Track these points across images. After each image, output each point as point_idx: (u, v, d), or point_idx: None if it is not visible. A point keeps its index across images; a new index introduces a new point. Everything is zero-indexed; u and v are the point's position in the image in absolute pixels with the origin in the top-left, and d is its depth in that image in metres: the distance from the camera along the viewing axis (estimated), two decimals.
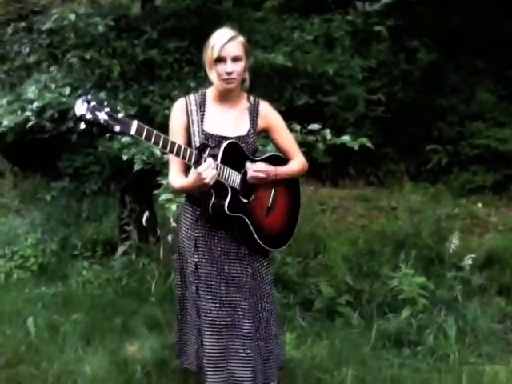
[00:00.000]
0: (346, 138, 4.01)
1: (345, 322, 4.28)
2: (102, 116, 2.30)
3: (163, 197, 3.64)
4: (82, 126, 2.30)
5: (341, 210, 7.35)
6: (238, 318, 2.82)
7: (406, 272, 4.36)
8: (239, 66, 2.66)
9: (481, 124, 8.62)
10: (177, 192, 2.83)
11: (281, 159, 2.91)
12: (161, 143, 2.45)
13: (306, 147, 3.84)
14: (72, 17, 4.20)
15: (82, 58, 4.44)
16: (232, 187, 2.68)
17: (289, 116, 3.30)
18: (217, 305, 2.80)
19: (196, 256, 2.81)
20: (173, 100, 4.35)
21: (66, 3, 7.84)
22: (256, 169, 2.74)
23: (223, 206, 2.66)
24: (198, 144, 2.68)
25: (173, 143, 2.50)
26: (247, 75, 2.76)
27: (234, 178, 2.69)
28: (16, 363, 3.62)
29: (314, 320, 4.31)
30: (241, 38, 2.69)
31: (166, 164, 4.02)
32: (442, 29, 8.87)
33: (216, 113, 2.77)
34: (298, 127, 3.95)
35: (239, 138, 2.77)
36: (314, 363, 3.68)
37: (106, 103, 2.32)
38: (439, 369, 3.70)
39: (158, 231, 5.06)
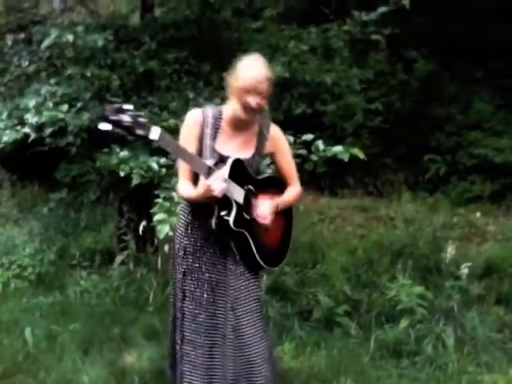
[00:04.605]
0: (337, 149, 4.02)
1: (343, 331, 4.27)
2: (126, 118, 2.33)
3: (157, 217, 3.66)
4: (107, 126, 2.29)
5: (339, 219, 7.35)
6: (220, 327, 2.86)
7: (404, 282, 4.36)
8: (263, 102, 2.72)
9: (478, 134, 8.64)
10: (184, 200, 2.87)
11: (276, 181, 2.98)
12: (178, 151, 2.53)
13: (300, 158, 3.87)
14: (70, 38, 4.22)
15: (81, 75, 4.48)
16: (237, 202, 2.72)
17: (287, 126, 3.31)
18: (199, 313, 2.85)
19: (184, 263, 2.87)
20: (171, 112, 4.40)
21: (65, 13, 7.90)
22: (263, 215, 2.81)
23: (228, 220, 2.70)
24: (208, 157, 2.73)
25: (187, 153, 2.56)
26: (267, 106, 2.81)
27: (238, 193, 2.73)
28: (13, 373, 3.60)
29: (312, 330, 4.30)
30: (269, 73, 2.73)
31: (163, 177, 4.07)
32: (439, 39, 8.91)
33: (226, 134, 2.82)
34: (291, 139, 3.96)
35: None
36: (312, 373, 3.67)
37: (130, 107, 2.35)
38: (438, 378, 3.70)
39: (156, 241, 5.05)
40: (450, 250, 4.66)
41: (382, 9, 4.72)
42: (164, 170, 4.18)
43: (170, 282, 3.06)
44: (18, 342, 3.98)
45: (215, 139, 2.79)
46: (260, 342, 2.88)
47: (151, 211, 3.89)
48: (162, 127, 4.24)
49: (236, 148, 2.82)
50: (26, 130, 4.34)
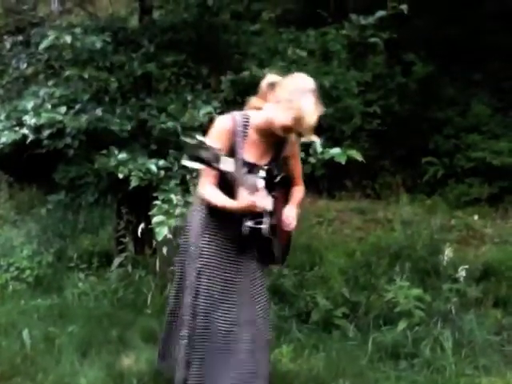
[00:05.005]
0: (335, 151, 4.02)
1: (341, 334, 4.28)
2: (204, 153, 2.41)
3: (155, 219, 3.66)
4: (190, 163, 2.40)
5: (337, 222, 7.35)
6: (233, 324, 2.90)
7: (402, 284, 4.37)
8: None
9: (476, 136, 8.65)
10: (209, 204, 2.87)
11: (286, 179, 3.03)
12: (236, 176, 2.59)
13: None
14: (68, 38, 4.22)
15: (79, 77, 4.48)
16: (268, 211, 2.78)
17: None
18: (213, 310, 2.88)
19: (199, 263, 2.90)
20: (169, 114, 4.41)
21: (63, 15, 7.89)
22: (290, 218, 2.92)
23: (261, 229, 2.78)
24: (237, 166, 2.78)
25: (243, 175, 2.63)
26: None
27: (268, 202, 2.78)
28: (11, 375, 3.59)
29: (310, 332, 4.30)
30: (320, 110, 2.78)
31: (162, 179, 4.07)
32: (437, 41, 8.93)
33: (251, 141, 2.84)
34: None
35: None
36: (310, 375, 3.67)
37: (204, 140, 2.43)
38: (436, 381, 3.70)
39: (154, 243, 5.05)
40: (448, 253, 4.65)
41: (380, 13, 4.74)
42: (162, 172, 4.18)
43: (175, 278, 3.09)
44: (15, 344, 3.97)
45: (243, 147, 2.82)
46: (268, 335, 3.00)
47: (150, 213, 3.90)
48: (161, 129, 4.32)
49: (259, 154, 2.86)
50: (25, 131, 4.34)
